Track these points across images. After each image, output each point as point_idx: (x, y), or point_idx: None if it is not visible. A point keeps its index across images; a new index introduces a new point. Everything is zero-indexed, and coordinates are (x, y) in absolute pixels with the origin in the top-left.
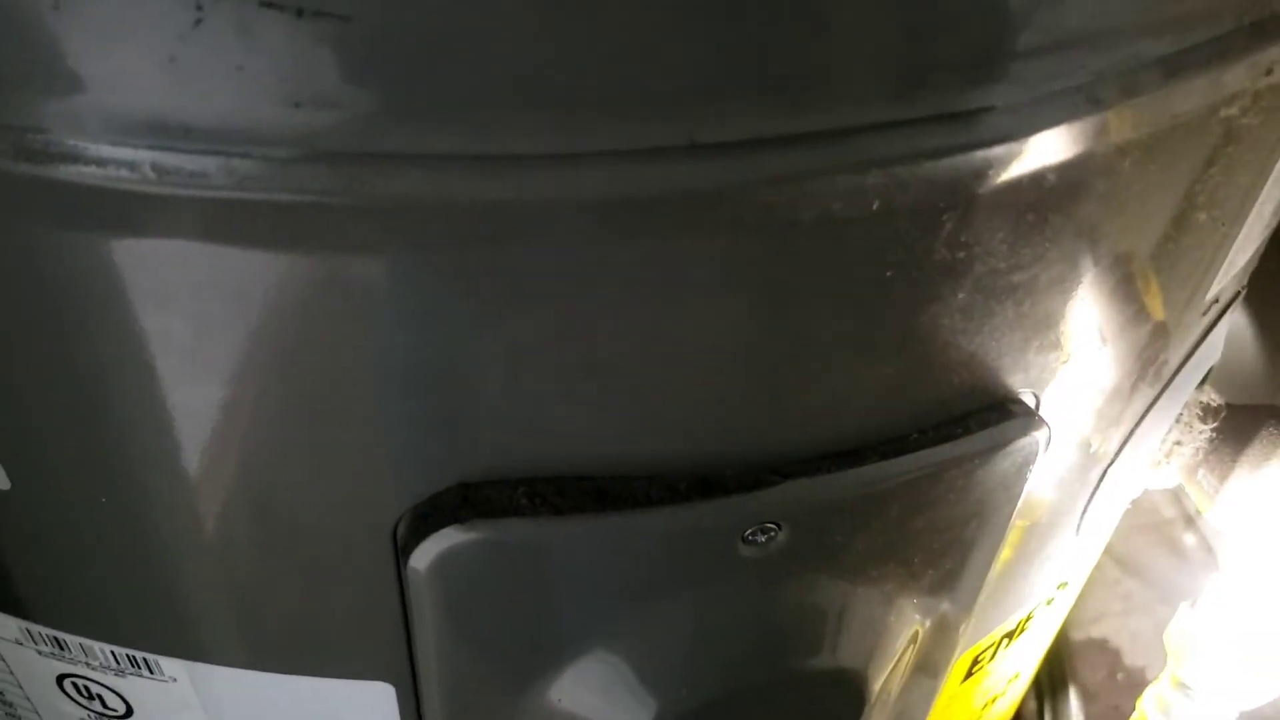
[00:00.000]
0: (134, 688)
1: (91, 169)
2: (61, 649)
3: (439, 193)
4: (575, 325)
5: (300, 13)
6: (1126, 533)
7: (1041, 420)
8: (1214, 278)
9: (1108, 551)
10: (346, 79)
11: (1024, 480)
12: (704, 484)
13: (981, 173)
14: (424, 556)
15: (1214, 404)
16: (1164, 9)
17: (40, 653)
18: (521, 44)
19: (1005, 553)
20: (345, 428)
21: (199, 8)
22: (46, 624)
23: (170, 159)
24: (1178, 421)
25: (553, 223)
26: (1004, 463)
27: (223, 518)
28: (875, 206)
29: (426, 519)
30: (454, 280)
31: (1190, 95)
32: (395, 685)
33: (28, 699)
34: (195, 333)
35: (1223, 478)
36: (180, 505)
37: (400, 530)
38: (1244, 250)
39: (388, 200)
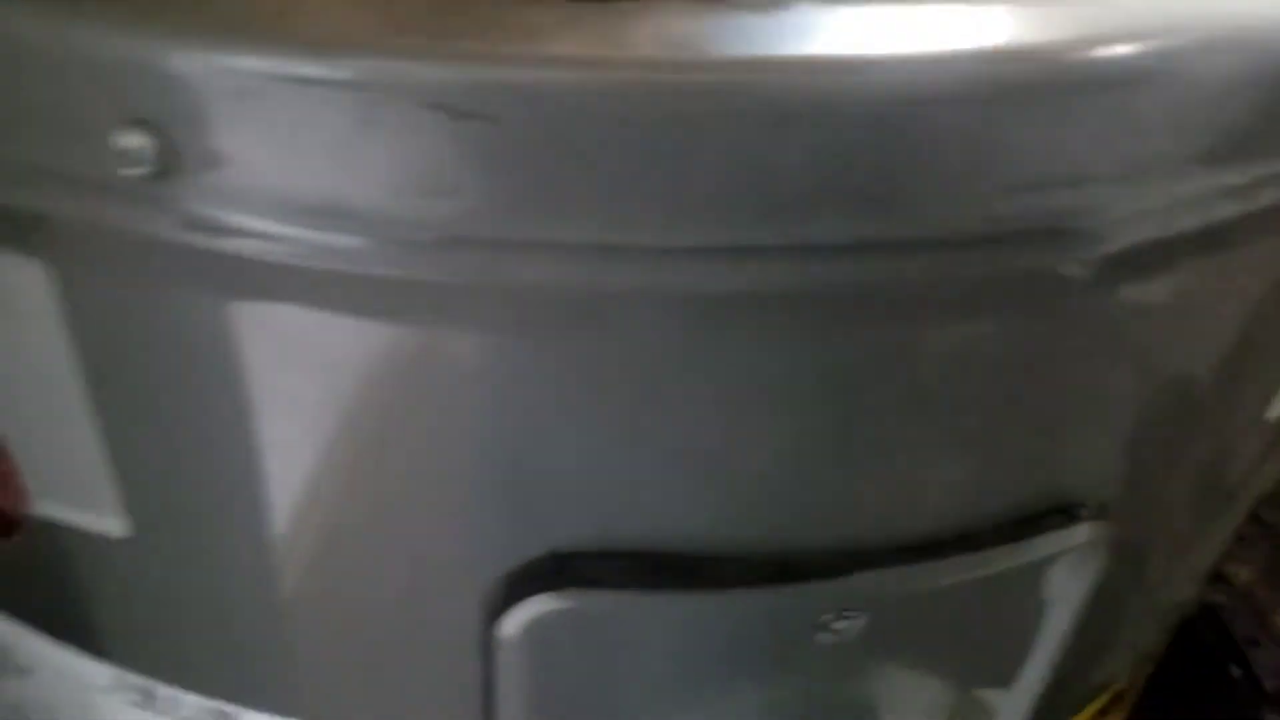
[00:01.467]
0: None
1: (253, 242)
2: (149, 699)
3: (554, 278)
4: (672, 413)
5: (456, 114)
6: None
7: (1106, 526)
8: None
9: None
10: (485, 173)
11: (1086, 582)
12: (786, 569)
13: (1063, 291)
14: (514, 622)
15: (1272, 521)
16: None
17: (128, 701)
18: (636, 153)
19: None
20: (446, 494)
21: (367, 107)
22: (139, 672)
23: (324, 238)
24: (1237, 541)
25: (653, 313)
26: (1067, 564)
27: (321, 575)
28: (954, 319)
29: (519, 586)
30: (558, 361)
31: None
32: None
33: None
34: (318, 398)
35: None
36: (283, 562)
37: (491, 596)
38: None
39: (508, 283)
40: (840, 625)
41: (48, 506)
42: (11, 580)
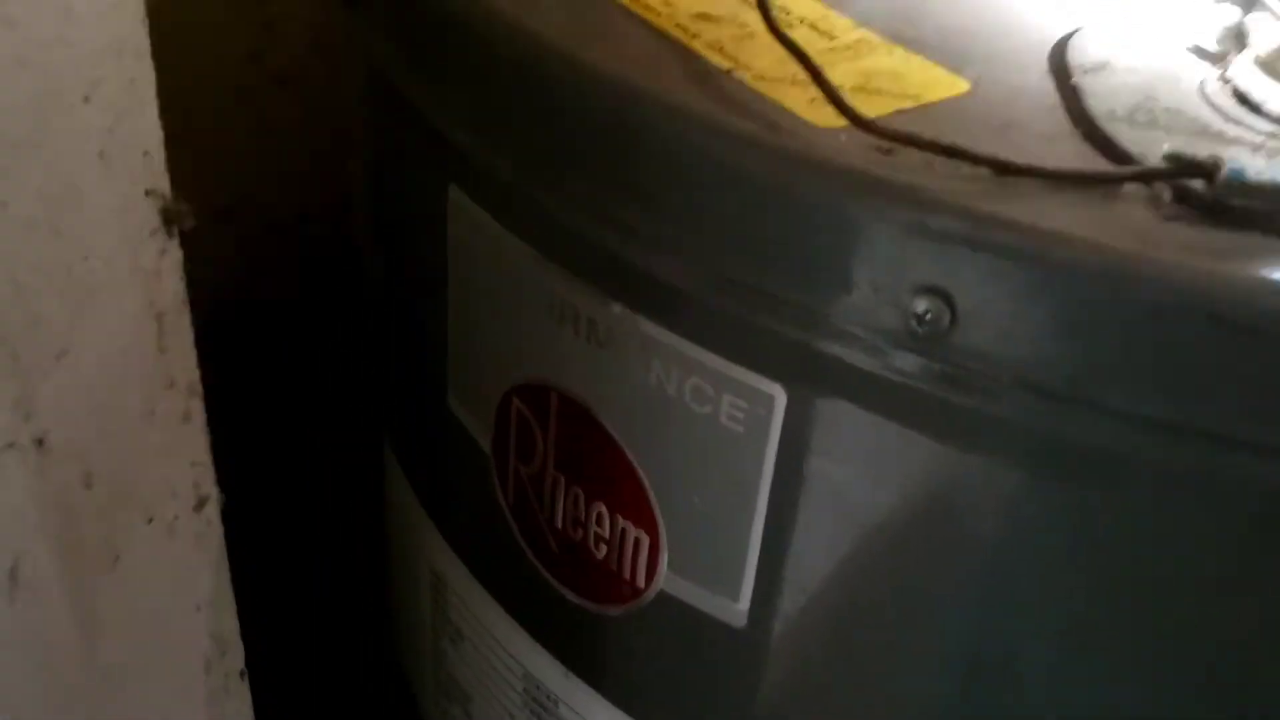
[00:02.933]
0: None
1: (975, 397)
2: None
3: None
4: None
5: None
6: None
7: None
8: None
9: None
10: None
11: None
12: None
13: None
14: None
15: None
16: None
17: None
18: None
19: None
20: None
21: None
22: None
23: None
24: None
25: None
26: None
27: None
28: None
29: None
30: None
31: None
32: None
33: None
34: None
35: None
36: (866, 681)
37: None
38: None
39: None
40: None
41: (678, 586)
42: (591, 641)
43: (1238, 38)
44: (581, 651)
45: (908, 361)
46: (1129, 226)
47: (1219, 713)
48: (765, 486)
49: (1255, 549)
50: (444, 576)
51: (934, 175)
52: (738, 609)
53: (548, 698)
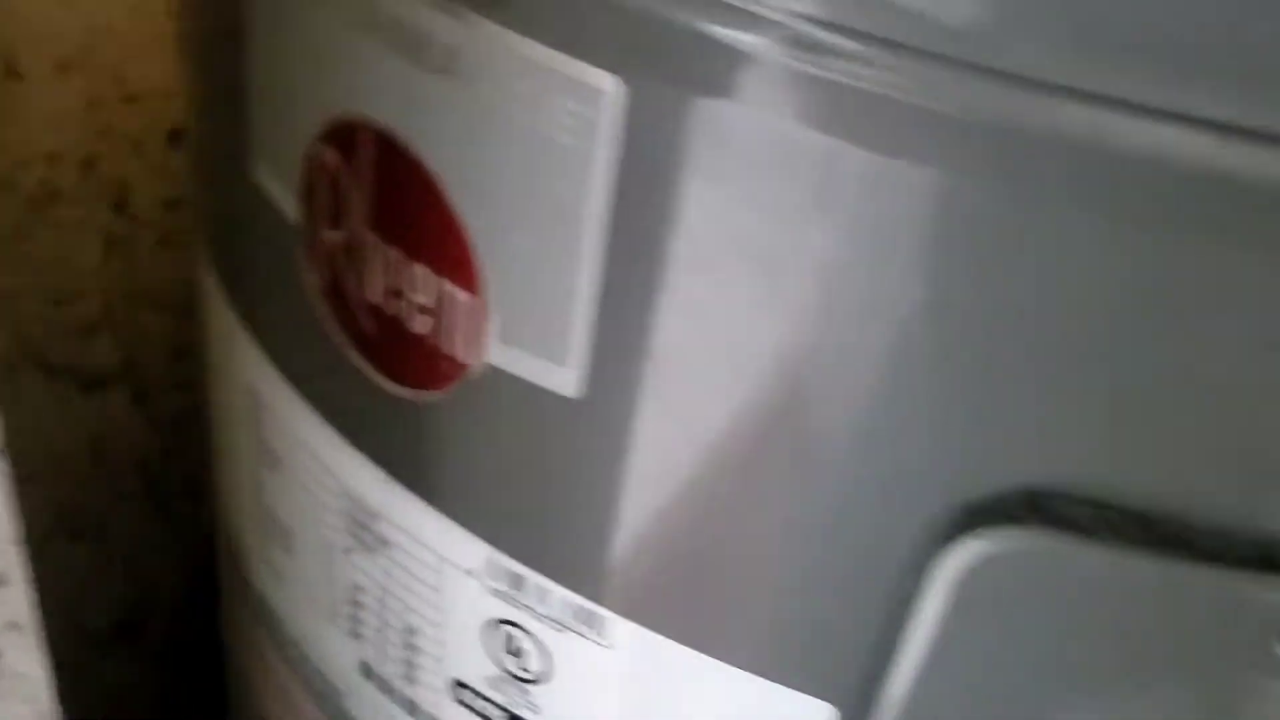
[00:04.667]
0: (566, 649)
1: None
2: (516, 588)
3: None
4: (1209, 352)
5: None
6: None
7: None
8: None
9: None
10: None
11: None
12: (1270, 559)
13: None
14: (967, 553)
15: None
16: None
17: (489, 589)
18: None
19: None
20: (917, 385)
21: None
22: (516, 556)
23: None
24: None
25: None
26: None
27: (746, 473)
28: None
29: (978, 516)
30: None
31: None
32: (839, 709)
33: (443, 644)
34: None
35: None
36: (707, 449)
37: (939, 525)
38: None
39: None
40: None
41: (506, 355)
42: (414, 437)
43: None
44: (403, 451)
45: None
46: None
47: None
48: (596, 213)
49: None
50: (260, 393)
51: None
52: (567, 374)
53: (369, 513)
